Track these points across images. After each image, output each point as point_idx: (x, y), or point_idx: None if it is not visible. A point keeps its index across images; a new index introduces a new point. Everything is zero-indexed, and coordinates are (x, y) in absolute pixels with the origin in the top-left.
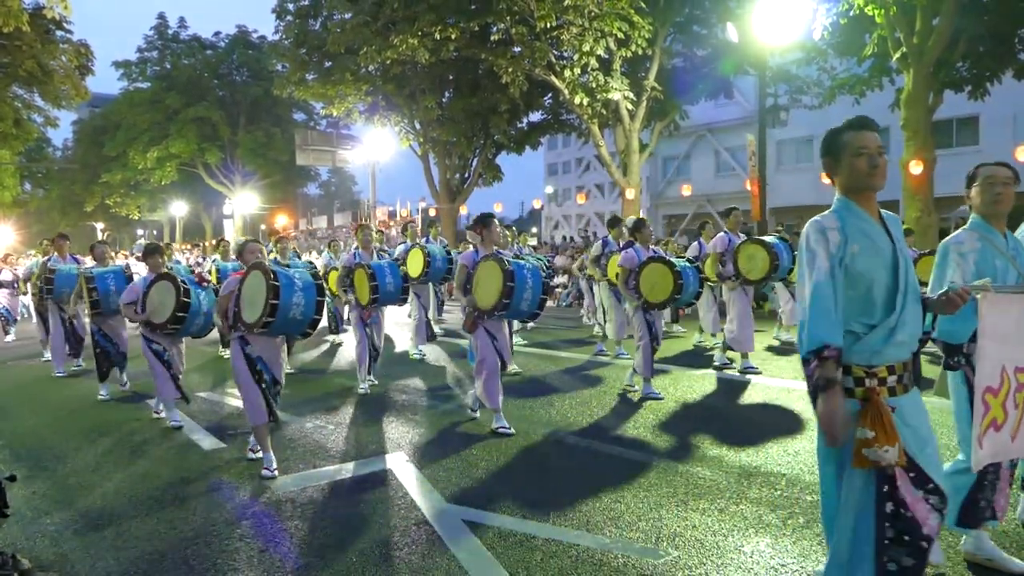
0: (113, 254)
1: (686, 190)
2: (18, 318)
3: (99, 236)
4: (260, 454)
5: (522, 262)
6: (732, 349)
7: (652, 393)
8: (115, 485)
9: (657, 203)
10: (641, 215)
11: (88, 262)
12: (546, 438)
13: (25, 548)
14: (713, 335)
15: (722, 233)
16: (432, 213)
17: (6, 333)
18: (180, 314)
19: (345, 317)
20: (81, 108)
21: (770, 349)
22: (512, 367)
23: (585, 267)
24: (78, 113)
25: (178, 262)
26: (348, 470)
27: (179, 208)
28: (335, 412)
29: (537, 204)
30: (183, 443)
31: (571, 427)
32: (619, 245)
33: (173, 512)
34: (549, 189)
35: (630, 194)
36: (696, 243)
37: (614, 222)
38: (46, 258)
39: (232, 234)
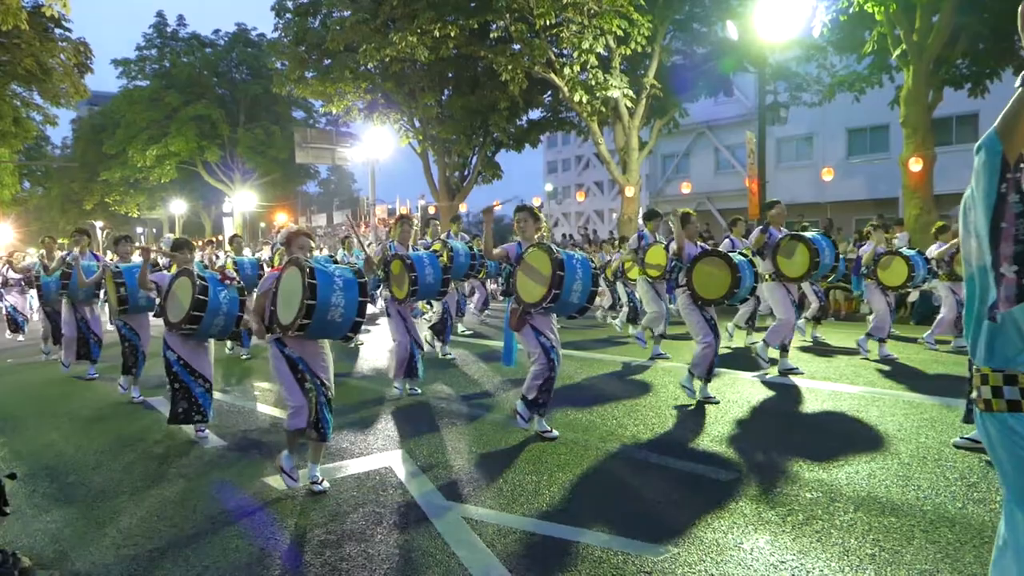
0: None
1: (686, 188)
2: (28, 317)
3: (99, 235)
4: (325, 485)
5: (571, 252)
6: (769, 345)
7: (710, 397)
8: (115, 483)
9: (657, 201)
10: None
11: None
12: (546, 437)
13: (25, 546)
14: (741, 328)
15: (760, 227)
16: (432, 211)
17: (18, 332)
18: (195, 313)
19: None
20: (80, 106)
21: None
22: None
23: (608, 265)
24: (77, 111)
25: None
26: (348, 468)
27: (178, 206)
28: (335, 410)
29: (537, 202)
30: (185, 441)
31: (570, 426)
32: (655, 238)
33: (174, 510)
34: (549, 187)
35: (630, 192)
36: (727, 239)
37: (651, 215)
38: (65, 254)
39: (233, 232)
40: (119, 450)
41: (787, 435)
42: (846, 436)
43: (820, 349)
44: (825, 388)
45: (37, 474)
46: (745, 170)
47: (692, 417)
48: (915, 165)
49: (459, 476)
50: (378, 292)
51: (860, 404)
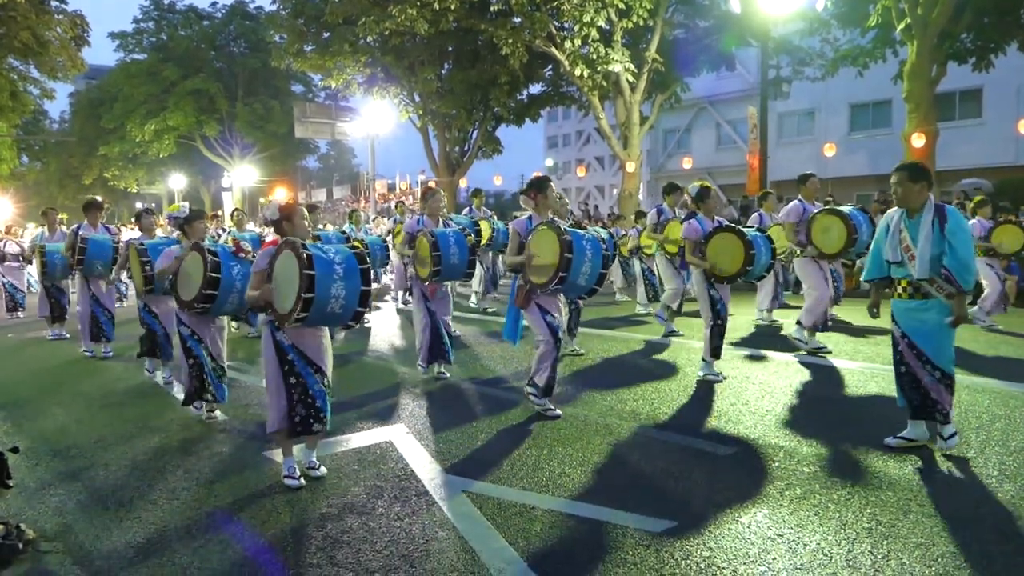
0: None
1: (687, 163)
2: (25, 292)
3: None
4: (323, 471)
5: (581, 232)
6: (802, 326)
7: (712, 375)
8: (117, 457)
9: (658, 176)
10: (641, 188)
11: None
12: (548, 415)
13: (29, 518)
14: (768, 311)
15: (796, 201)
16: (432, 186)
17: (16, 310)
18: (209, 291)
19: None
20: (77, 80)
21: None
22: (573, 346)
23: (624, 242)
24: (74, 85)
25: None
26: (349, 441)
27: (178, 181)
28: (336, 385)
29: None
30: (186, 417)
31: (570, 401)
32: (674, 213)
33: (176, 484)
34: (549, 162)
35: (630, 167)
36: (756, 214)
37: (671, 188)
38: (76, 227)
39: (231, 207)
40: (121, 424)
41: (787, 411)
42: (844, 412)
43: (841, 327)
44: (831, 365)
45: (39, 448)
46: (747, 145)
47: (693, 393)
48: (917, 141)
49: (459, 450)
50: (382, 271)
51: (860, 380)
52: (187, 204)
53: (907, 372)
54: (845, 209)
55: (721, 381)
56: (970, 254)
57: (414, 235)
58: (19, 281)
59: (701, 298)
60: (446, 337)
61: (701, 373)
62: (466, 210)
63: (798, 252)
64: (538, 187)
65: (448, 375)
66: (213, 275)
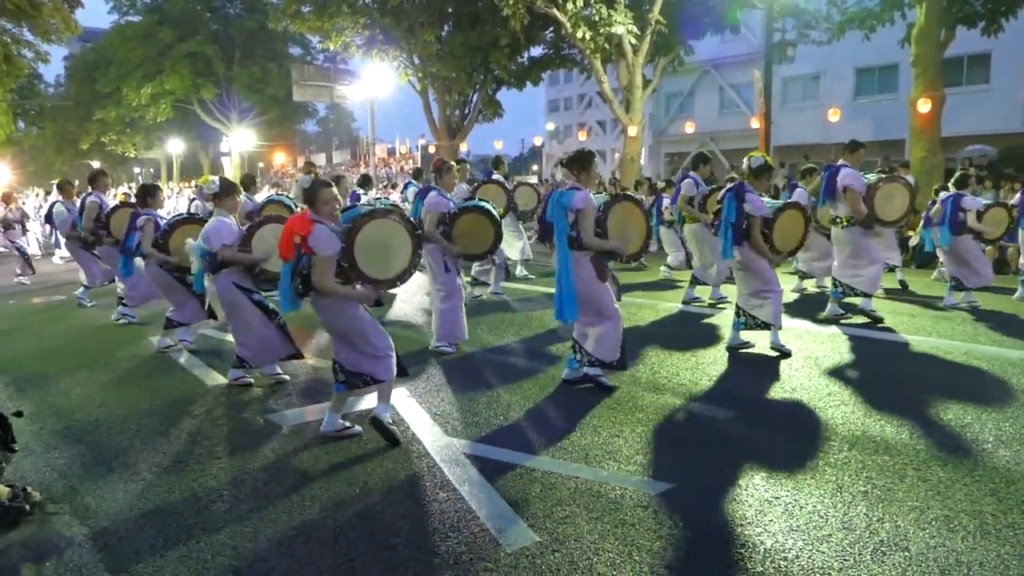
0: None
1: (689, 128)
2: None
3: None
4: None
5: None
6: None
7: (781, 346)
8: (120, 421)
9: (660, 141)
10: (643, 153)
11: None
12: (545, 375)
13: (35, 481)
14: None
15: (854, 170)
16: (431, 150)
17: (27, 272)
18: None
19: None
20: (72, 43)
21: None
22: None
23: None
24: (69, 48)
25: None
26: (350, 404)
27: (176, 146)
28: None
29: (538, 141)
30: (187, 379)
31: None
32: (705, 184)
33: (179, 446)
34: (550, 126)
35: (632, 131)
36: (799, 190)
37: (702, 159)
38: (88, 193)
39: (231, 172)
40: (123, 387)
41: (787, 377)
42: (844, 377)
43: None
44: (838, 332)
45: (43, 412)
46: (750, 110)
47: (693, 359)
48: (923, 106)
49: (459, 413)
50: None
51: (859, 346)
52: (216, 177)
53: None
54: (909, 178)
55: (751, 347)
56: None
57: (449, 213)
58: (26, 244)
59: (760, 270)
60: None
61: (770, 342)
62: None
63: (845, 221)
64: (582, 163)
65: (452, 350)
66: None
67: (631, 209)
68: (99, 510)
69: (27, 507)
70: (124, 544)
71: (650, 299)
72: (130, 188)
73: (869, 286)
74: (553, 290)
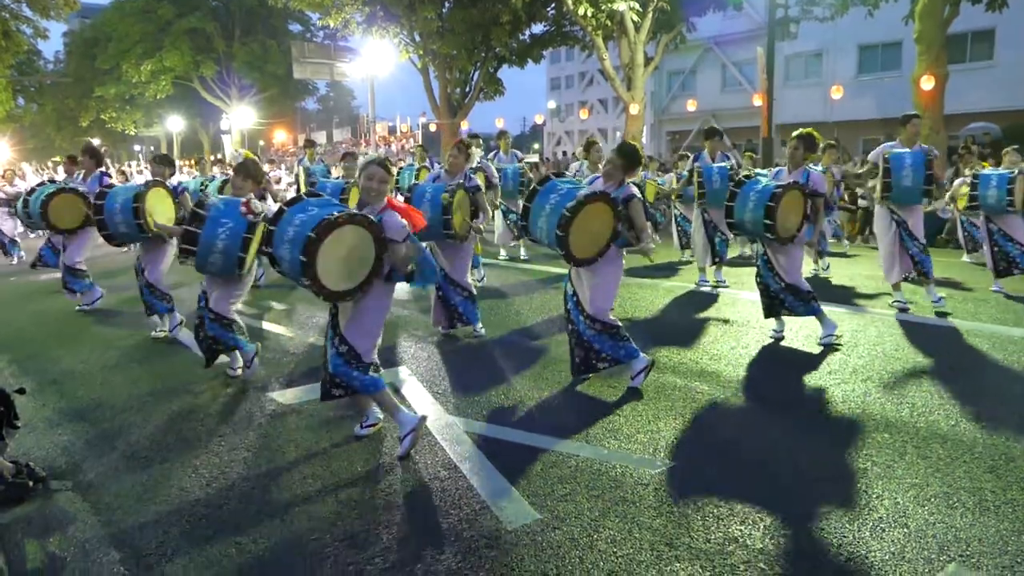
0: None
1: (691, 105)
2: (16, 241)
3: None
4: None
5: None
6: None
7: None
8: (123, 399)
9: (661, 119)
10: (645, 131)
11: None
12: (548, 355)
13: (38, 458)
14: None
15: (889, 143)
16: (432, 128)
17: (7, 254)
18: (185, 247)
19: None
20: (71, 19)
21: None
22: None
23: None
24: (68, 24)
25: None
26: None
27: (176, 123)
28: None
29: (539, 119)
30: (187, 357)
31: None
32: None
33: (181, 424)
34: (551, 104)
35: (634, 109)
36: (831, 170)
37: (713, 133)
38: (101, 170)
39: (230, 150)
40: (125, 366)
41: (786, 355)
42: (844, 355)
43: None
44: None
45: (46, 390)
46: (753, 87)
47: (693, 336)
48: (927, 83)
49: (461, 392)
50: None
51: (859, 325)
52: (241, 152)
53: None
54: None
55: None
56: None
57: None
58: (9, 228)
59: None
60: (455, 300)
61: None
62: (492, 154)
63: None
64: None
65: (456, 334)
66: (191, 229)
67: (602, 209)
68: (102, 487)
69: (31, 483)
70: (127, 519)
71: (652, 280)
72: (130, 165)
73: (929, 270)
74: (553, 271)
